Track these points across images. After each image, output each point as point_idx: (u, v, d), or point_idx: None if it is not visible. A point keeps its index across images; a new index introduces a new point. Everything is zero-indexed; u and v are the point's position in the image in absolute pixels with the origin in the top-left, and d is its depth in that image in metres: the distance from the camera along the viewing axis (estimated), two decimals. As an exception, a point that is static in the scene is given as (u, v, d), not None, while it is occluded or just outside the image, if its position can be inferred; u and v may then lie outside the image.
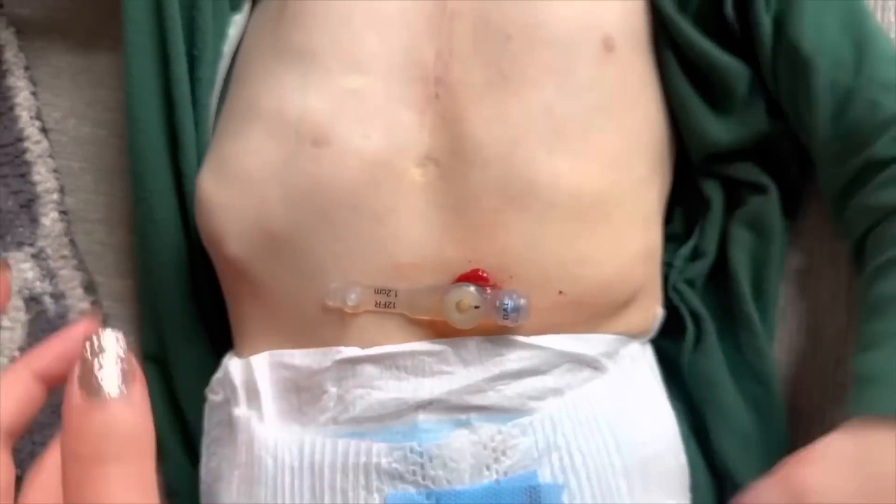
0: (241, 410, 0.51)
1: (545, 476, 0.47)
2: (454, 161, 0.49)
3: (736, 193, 0.59)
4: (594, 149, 0.50)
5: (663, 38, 0.56)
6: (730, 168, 0.58)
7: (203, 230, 0.54)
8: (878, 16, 0.58)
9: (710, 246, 0.59)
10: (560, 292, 0.49)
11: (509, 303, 0.46)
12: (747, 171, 0.58)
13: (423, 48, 0.51)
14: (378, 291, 0.48)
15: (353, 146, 0.50)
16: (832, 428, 0.56)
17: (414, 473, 0.47)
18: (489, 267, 0.48)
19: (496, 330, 0.48)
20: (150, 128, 0.58)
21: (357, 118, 0.50)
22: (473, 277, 0.47)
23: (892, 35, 0.57)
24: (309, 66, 0.52)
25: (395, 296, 0.48)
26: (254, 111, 0.53)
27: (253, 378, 0.51)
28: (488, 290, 0.47)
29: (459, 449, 0.47)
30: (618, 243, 0.51)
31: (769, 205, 0.57)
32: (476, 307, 0.46)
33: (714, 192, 0.59)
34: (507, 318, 0.46)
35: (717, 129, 0.56)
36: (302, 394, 0.50)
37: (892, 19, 0.58)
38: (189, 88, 0.58)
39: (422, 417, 0.48)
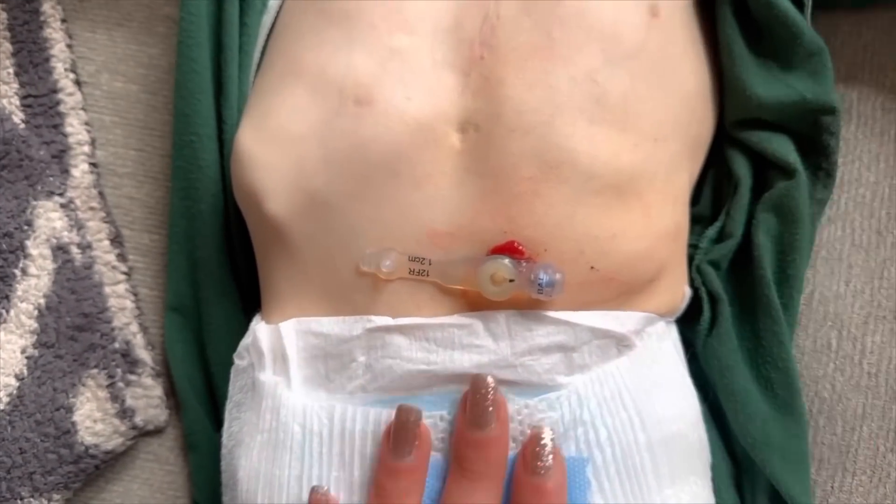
0: (266, 376, 0.51)
1: (570, 450, 0.48)
2: (494, 126, 0.49)
3: (764, 176, 0.58)
4: (633, 120, 0.50)
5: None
6: (762, 138, 0.57)
7: (239, 186, 0.54)
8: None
9: (737, 228, 0.58)
10: (592, 267, 0.48)
11: (544, 277, 0.46)
12: (779, 145, 0.56)
13: (470, 10, 0.51)
14: (412, 259, 0.48)
15: (396, 107, 0.49)
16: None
17: (443, 441, 0.48)
18: (524, 239, 0.47)
19: (527, 304, 0.48)
20: (201, 69, 0.59)
21: (401, 79, 0.50)
22: (509, 249, 0.47)
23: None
24: (355, 24, 0.51)
25: (429, 264, 0.48)
26: (296, 68, 0.53)
27: (281, 344, 0.51)
28: (523, 264, 0.47)
29: None
30: (648, 219, 0.51)
31: (797, 191, 0.56)
32: (511, 280, 0.46)
33: (744, 173, 0.58)
34: (541, 293, 0.46)
35: (763, 86, 0.55)
36: (329, 361, 0.50)
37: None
38: (238, 34, 0.58)
39: (451, 387, 0.48)
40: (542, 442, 0.46)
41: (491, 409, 0.46)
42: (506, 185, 0.48)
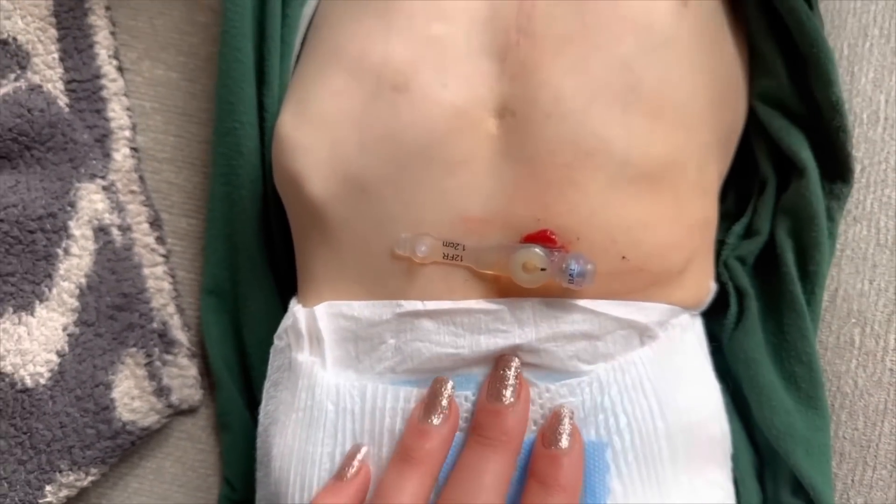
0: (304, 356, 0.52)
1: (590, 434, 0.49)
2: (531, 112, 0.49)
3: (784, 175, 0.58)
4: (667, 108, 0.50)
5: None
6: (781, 126, 0.57)
7: (279, 170, 0.55)
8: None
9: (764, 226, 0.59)
10: (623, 257, 0.49)
11: (575, 267, 0.47)
12: (794, 140, 0.56)
13: None
14: (446, 244, 0.49)
15: (432, 94, 0.50)
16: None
17: (466, 421, 0.49)
18: (557, 227, 0.48)
19: (558, 292, 0.48)
20: (245, 58, 0.60)
21: (438, 66, 0.50)
22: (541, 238, 0.48)
23: None
24: (393, 13, 0.52)
25: (463, 249, 0.49)
26: (336, 55, 0.54)
27: (317, 326, 0.52)
28: (555, 253, 0.47)
29: None
30: (679, 210, 0.51)
31: (807, 190, 0.56)
32: (542, 269, 0.47)
33: (769, 171, 0.59)
34: (572, 282, 0.47)
35: (787, 87, 0.56)
36: (360, 343, 0.51)
37: None
38: (280, 24, 0.59)
39: (476, 370, 0.49)
40: (562, 419, 0.48)
41: (512, 384, 0.48)
42: (541, 171, 0.48)
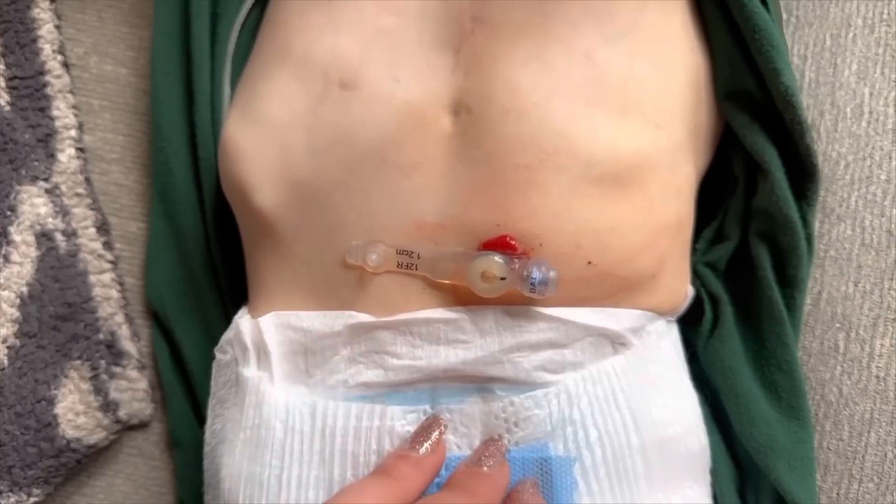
0: (250, 371, 0.50)
1: (558, 449, 0.46)
2: (488, 108, 0.47)
3: (753, 176, 0.56)
4: (634, 103, 0.48)
5: None
6: (744, 123, 0.54)
7: (226, 177, 0.53)
8: None
9: (734, 229, 0.57)
10: (589, 263, 0.47)
11: (537, 275, 0.44)
12: (755, 135, 0.54)
13: None
14: (400, 252, 0.46)
15: (383, 90, 0.48)
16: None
17: None
18: (518, 232, 0.46)
19: (521, 300, 0.46)
20: (171, 78, 0.60)
21: (388, 60, 0.49)
22: (501, 244, 0.45)
23: None
24: (341, 5, 0.50)
25: (418, 258, 0.46)
26: (282, 53, 0.52)
27: (263, 339, 0.50)
28: (516, 261, 0.45)
29: (471, 415, 0.46)
30: (649, 212, 0.49)
31: (777, 190, 0.53)
32: (502, 278, 0.45)
33: (739, 173, 0.56)
34: (533, 291, 0.45)
35: (737, 59, 0.53)
36: (310, 356, 0.49)
37: None
38: (209, 43, 0.59)
39: (433, 385, 0.47)
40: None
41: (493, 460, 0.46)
42: (500, 173, 0.46)
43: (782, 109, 0.52)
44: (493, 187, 0.46)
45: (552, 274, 0.45)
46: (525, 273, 0.44)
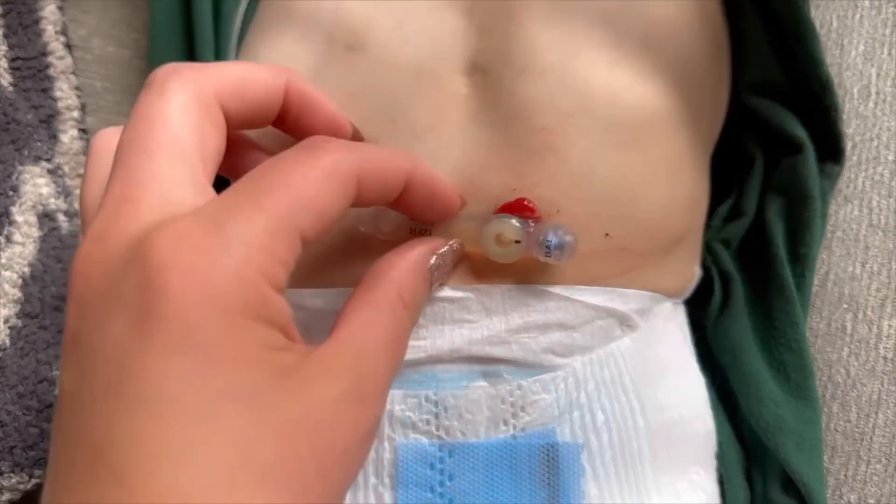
0: None
1: (564, 435, 0.45)
2: (503, 68, 0.46)
3: (774, 154, 0.56)
4: (654, 64, 0.48)
5: None
6: (770, 108, 0.55)
7: None
8: None
9: (750, 206, 0.56)
10: (606, 234, 0.46)
11: (553, 238, 0.43)
12: (786, 119, 0.55)
13: None
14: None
15: (391, 52, 0.47)
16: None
17: (427, 423, 0.45)
18: (535, 197, 0.45)
19: (535, 272, 0.46)
20: (171, 58, 0.56)
21: (396, 21, 0.48)
22: (518, 207, 0.44)
23: None
24: None
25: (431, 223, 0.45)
26: (284, 15, 0.51)
27: None
28: (531, 224, 0.44)
29: (476, 400, 0.45)
30: (669, 184, 0.48)
31: (804, 166, 0.54)
32: (517, 241, 0.43)
33: (756, 150, 0.57)
34: (549, 255, 0.43)
35: (775, 69, 0.54)
36: (311, 335, 0.47)
37: None
38: (211, 19, 0.57)
39: (440, 367, 0.46)
40: None
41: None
42: (516, 136, 0.46)
43: (821, 96, 0.53)
44: (510, 150, 0.46)
45: (569, 238, 0.43)
46: (541, 237, 0.43)
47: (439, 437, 0.45)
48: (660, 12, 0.48)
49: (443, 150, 0.46)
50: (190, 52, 0.58)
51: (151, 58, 0.59)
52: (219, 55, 0.57)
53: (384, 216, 0.45)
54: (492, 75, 0.47)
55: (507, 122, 0.46)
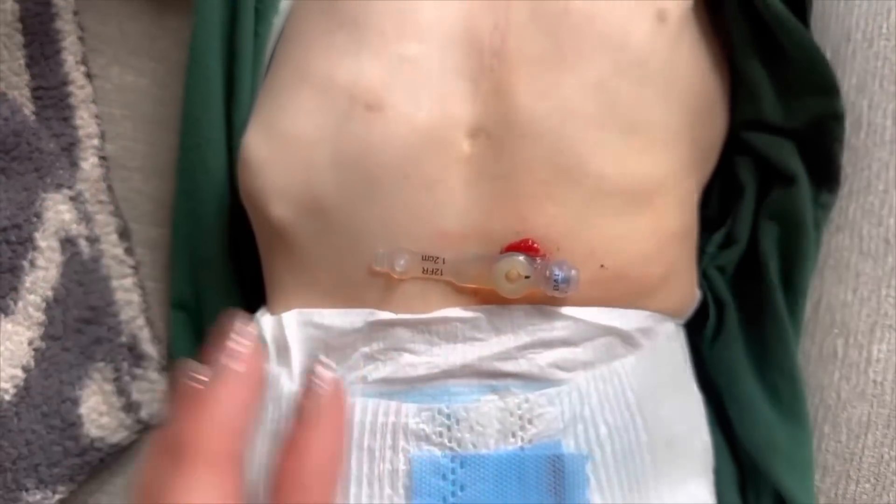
0: (270, 367, 0.51)
1: (570, 446, 0.47)
2: (505, 133, 0.49)
3: (767, 181, 0.58)
4: (643, 126, 0.50)
5: (732, 5, 0.55)
6: (767, 142, 0.57)
7: (246, 189, 0.54)
8: None
9: (743, 234, 0.58)
10: (602, 266, 0.49)
11: (559, 273, 0.46)
12: (782, 151, 0.56)
13: (480, 19, 0.50)
14: (426, 258, 0.48)
15: (406, 114, 0.49)
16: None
17: (440, 435, 0.47)
18: (536, 238, 0.48)
19: (540, 301, 0.48)
20: (213, 74, 0.58)
21: (411, 86, 0.50)
22: (524, 247, 0.47)
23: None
24: (363, 30, 0.51)
25: (443, 263, 0.48)
26: (303, 73, 0.53)
27: (283, 335, 0.51)
28: (538, 261, 0.47)
29: (487, 413, 0.47)
30: (657, 222, 0.51)
31: (798, 198, 0.56)
32: (526, 277, 0.46)
33: (748, 179, 0.58)
34: (556, 289, 0.46)
35: (771, 89, 0.56)
36: (330, 353, 0.50)
37: None
38: (253, 41, 0.58)
39: (452, 382, 0.48)
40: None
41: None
42: (518, 186, 0.48)
43: (832, 129, 0.56)
44: (512, 199, 0.48)
45: (573, 272, 0.46)
46: (548, 272, 0.46)
47: (451, 448, 0.47)
48: (649, 79, 0.51)
49: (451, 200, 0.49)
50: (230, 66, 0.58)
51: (191, 70, 0.59)
52: (255, 74, 0.58)
53: (397, 256, 0.48)
54: (494, 138, 0.49)
55: (508, 175, 0.48)
